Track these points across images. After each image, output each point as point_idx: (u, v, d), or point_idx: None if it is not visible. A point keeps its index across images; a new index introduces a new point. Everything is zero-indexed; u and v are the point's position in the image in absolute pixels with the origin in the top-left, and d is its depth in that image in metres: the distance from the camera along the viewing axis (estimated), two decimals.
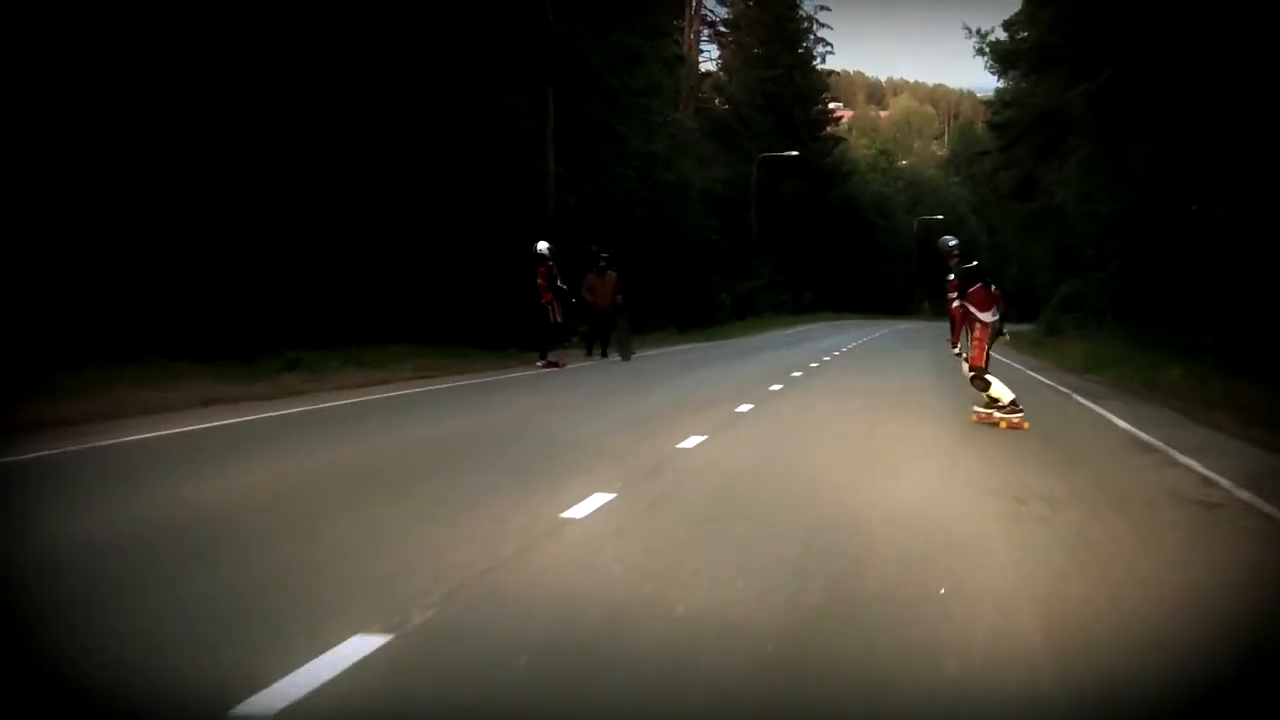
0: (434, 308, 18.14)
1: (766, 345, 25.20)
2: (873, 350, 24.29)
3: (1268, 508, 5.75)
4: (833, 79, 65.21)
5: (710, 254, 37.03)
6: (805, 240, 52.49)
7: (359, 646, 2.97)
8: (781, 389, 12.22)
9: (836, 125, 63.96)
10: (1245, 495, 6.14)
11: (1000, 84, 47.99)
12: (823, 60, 58.18)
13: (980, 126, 70.15)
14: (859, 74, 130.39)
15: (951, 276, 9.32)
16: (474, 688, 2.80)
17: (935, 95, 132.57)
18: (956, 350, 9.50)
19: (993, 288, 9.33)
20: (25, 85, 11.21)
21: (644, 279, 28.71)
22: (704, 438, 7.55)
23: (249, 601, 3.47)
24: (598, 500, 5.14)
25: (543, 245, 15.96)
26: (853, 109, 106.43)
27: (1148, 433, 9.26)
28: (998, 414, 9.04)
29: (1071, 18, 21.05)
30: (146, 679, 2.75)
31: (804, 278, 50.62)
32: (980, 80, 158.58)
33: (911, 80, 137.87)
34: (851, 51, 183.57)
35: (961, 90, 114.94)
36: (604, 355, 17.52)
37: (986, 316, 9.17)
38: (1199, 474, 7.00)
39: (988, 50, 31.70)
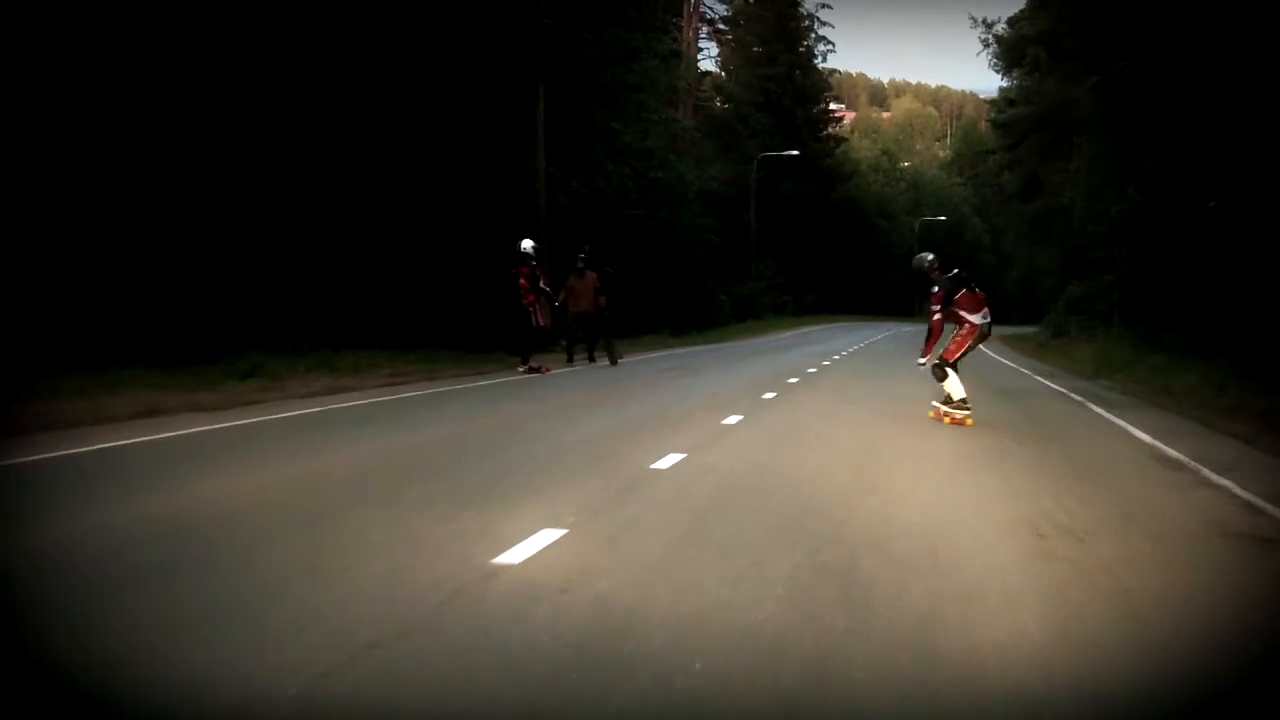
0: (416, 310, 17.36)
1: (764, 349, 24.38)
2: (873, 354, 23.47)
3: None
4: (835, 80, 64.48)
5: (708, 255, 36.24)
6: (806, 241, 51.70)
7: None
8: (774, 397, 11.39)
9: (838, 126, 63.17)
10: None
11: (1004, 83, 47.36)
12: (824, 59, 57.40)
13: (984, 127, 69.44)
14: (861, 75, 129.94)
15: (935, 289, 9.40)
16: None
17: (938, 97, 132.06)
18: (922, 361, 9.60)
19: (976, 290, 9.55)
20: None
21: (638, 280, 27.95)
22: (682, 456, 6.75)
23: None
24: (543, 539, 4.34)
25: (527, 243, 15.14)
26: (855, 110, 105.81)
27: (1172, 446, 8.46)
28: (943, 408, 9.38)
29: (1080, 8, 20.25)
30: None
31: (805, 279, 49.80)
32: (983, 82, 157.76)
33: (914, 82, 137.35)
34: (854, 53, 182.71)
35: (964, 92, 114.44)
36: (591, 359, 16.69)
37: (976, 319, 9.42)
38: (1239, 498, 6.20)
39: (994, 41, 30.81)
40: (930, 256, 9.85)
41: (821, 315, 49.58)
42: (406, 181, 17.64)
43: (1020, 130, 38.32)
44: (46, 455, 6.30)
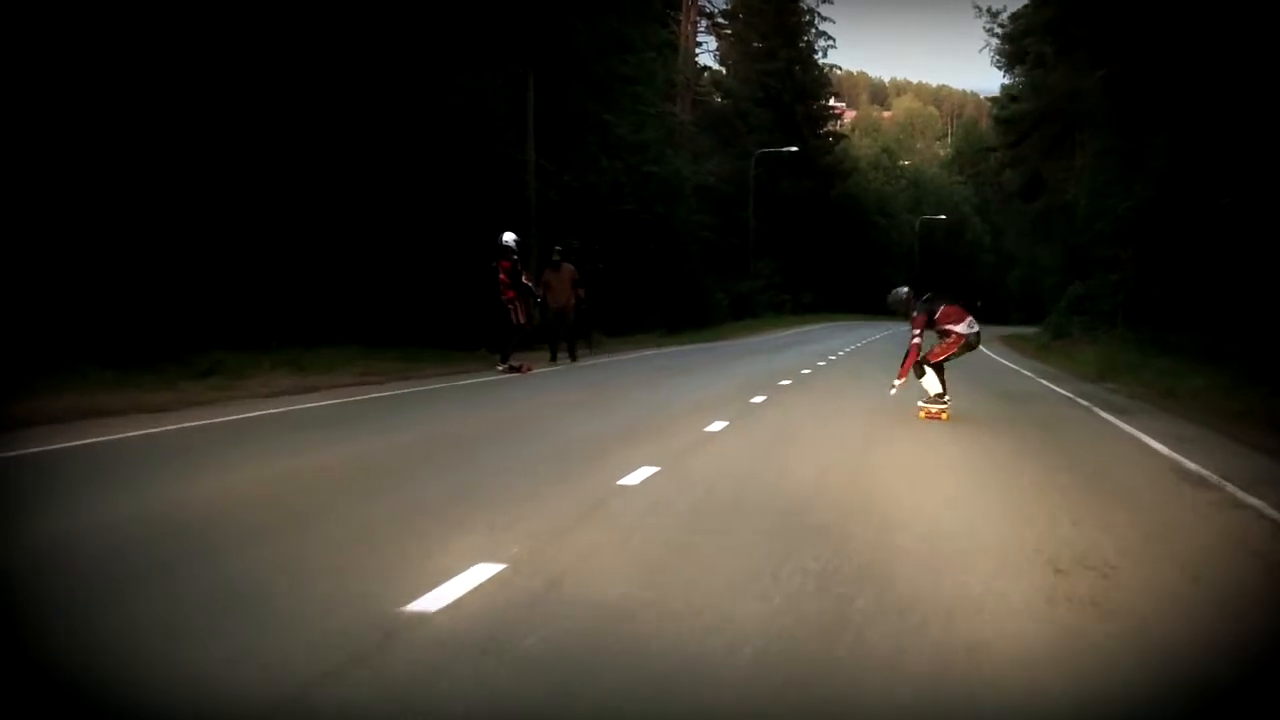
0: (398, 307, 16.70)
1: (759, 348, 23.71)
2: (871, 355, 22.77)
3: None
4: (836, 79, 63.77)
5: (705, 252, 35.59)
6: (805, 239, 51.05)
7: None
8: (764, 401, 10.73)
9: (838, 123, 62.50)
10: None
11: (1006, 80, 46.78)
12: (824, 54, 56.64)
13: (985, 124, 68.81)
14: (862, 74, 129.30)
15: (915, 314, 9.58)
16: None
17: (939, 96, 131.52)
18: (897, 384, 9.81)
19: (958, 303, 9.76)
20: None
21: (632, 277, 27.28)
22: (656, 469, 6.09)
23: None
24: (474, 578, 3.67)
25: (509, 236, 14.47)
26: (855, 109, 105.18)
27: (1190, 458, 7.81)
28: (921, 402, 9.56)
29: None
30: None
31: (803, 277, 49.13)
32: (984, 83, 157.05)
33: (915, 81, 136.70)
34: (855, 51, 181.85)
35: (965, 92, 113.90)
36: (573, 358, 16.01)
37: (962, 328, 9.58)
38: (1273, 520, 5.55)
39: (999, 31, 30.16)
40: (904, 290, 10.04)
41: (820, 314, 48.90)
42: (388, 172, 16.98)
43: (1023, 127, 37.73)
44: None
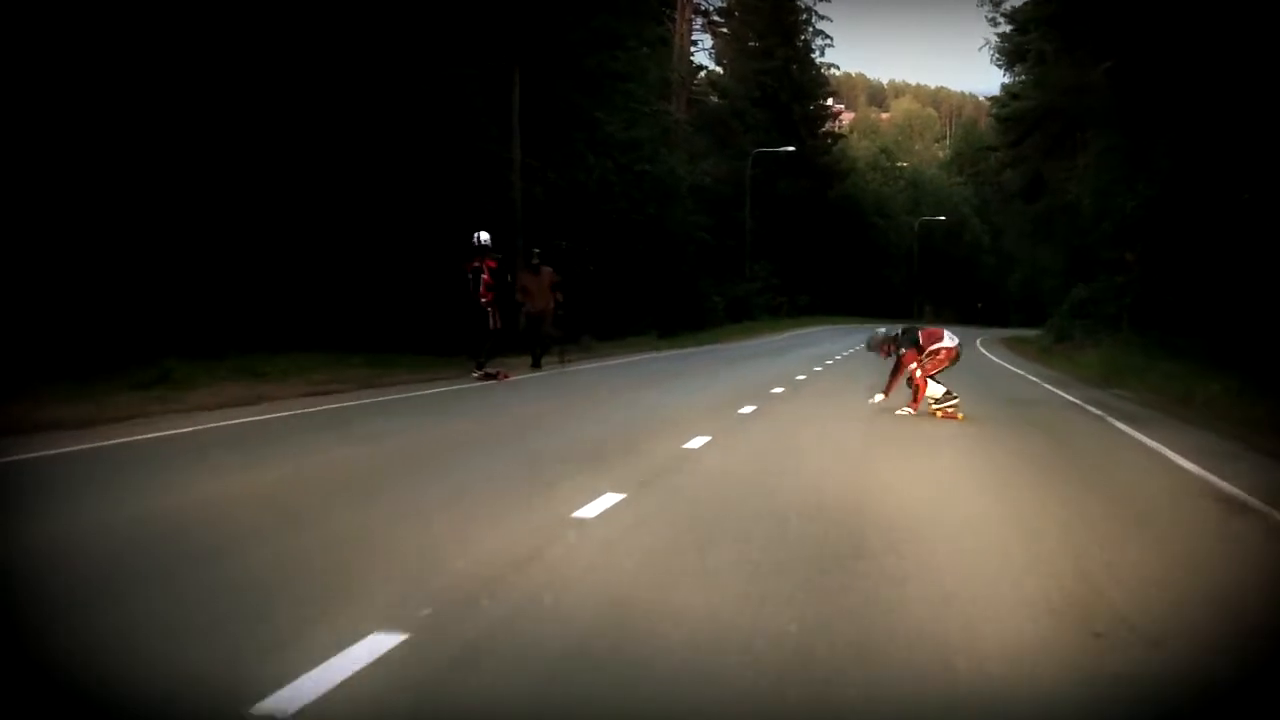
0: (372, 310, 15.93)
1: (754, 352, 22.89)
2: (869, 360, 21.89)
3: None
4: (834, 80, 63.05)
5: (701, 254, 34.83)
6: (802, 240, 50.30)
7: None
8: (753, 412, 9.91)
9: (837, 124, 61.75)
10: None
11: (1006, 79, 46.04)
12: (821, 53, 55.88)
13: (985, 125, 68.08)
14: (860, 75, 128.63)
15: (903, 352, 9.93)
16: None
17: (937, 98, 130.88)
18: (879, 399, 10.13)
19: (930, 327, 10.50)
20: None
21: (623, 279, 26.53)
22: (620, 497, 5.29)
23: None
24: (366, 653, 2.87)
25: (485, 235, 13.64)
26: (854, 110, 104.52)
27: (1223, 477, 7.02)
28: (935, 407, 9.79)
29: None
30: None
31: (801, 279, 48.36)
32: (983, 84, 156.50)
33: (913, 83, 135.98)
34: (853, 53, 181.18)
35: (964, 93, 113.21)
36: (538, 366, 15.09)
37: (948, 342, 10.01)
38: None
39: (1000, 21, 29.34)
40: (880, 332, 10.45)
41: (818, 316, 48.11)
42: (364, 169, 16.22)
43: (1024, 125, 36.99)
44: None
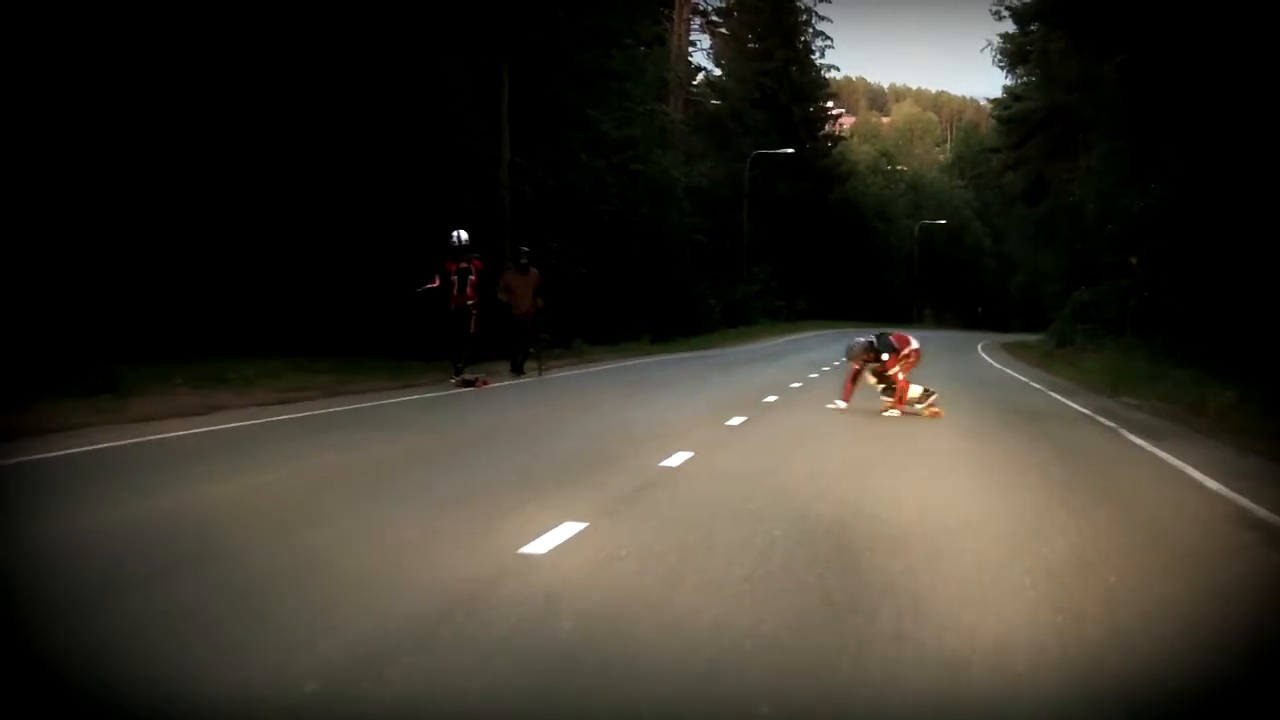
0: (350, 313, 15.28)
1: (749, 357, 22.20)
2: None
3: None
4: (835, 85, 62.33)
5: (698, 256, 34.18)
6: (801, 244, 49.62)
7: None
8: (743, 423, 9.23)
9: (838, 127, 61.07)
10: None
11: (1009, 81, 45.43)
12: (821, 54, 55.16)
13: (986, 129, 67.45)
14: (861, 79, 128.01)
15: (885, 357, 10.39)
16: None
17: (938, 102, 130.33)
18: (840, 405, 10.63)
19: (897, 332, 11.06)
20: None
21: (617, 281, 25.87)
22: (580, 528, 4.62)
23: None
24: None
25: (463, 235, 12.96)
26: (855, 114, 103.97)
27: (1258, 502, 6.36)
28: (919, 406, 10.39)
29: None
30: None
31: (799, 283, 47.65)
32: (984, 88, 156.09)
33: (914, 87, 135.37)
34: (854, 57, 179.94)
35: (965, 98, 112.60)
36: (519, 372, 14.39)
37: (915, 344, 10.67)
38: None
39: (1007, 13, 28.64)
40: (861, 342, 10.68)
41: (816, 321, 47.40)
42: (343, 165, 15.58)
43: (1027, 127, 36.32)
44: None
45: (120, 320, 11.59)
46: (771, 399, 11.64)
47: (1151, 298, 21.00)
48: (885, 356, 10.36)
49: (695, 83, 46.77)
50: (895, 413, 10.20)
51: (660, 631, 3.30)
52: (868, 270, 57.68)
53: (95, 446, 6.70)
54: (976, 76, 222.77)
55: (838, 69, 69.21)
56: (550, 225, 21.76)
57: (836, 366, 19.21)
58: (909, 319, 59.71)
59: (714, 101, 48.00)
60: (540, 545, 4.28)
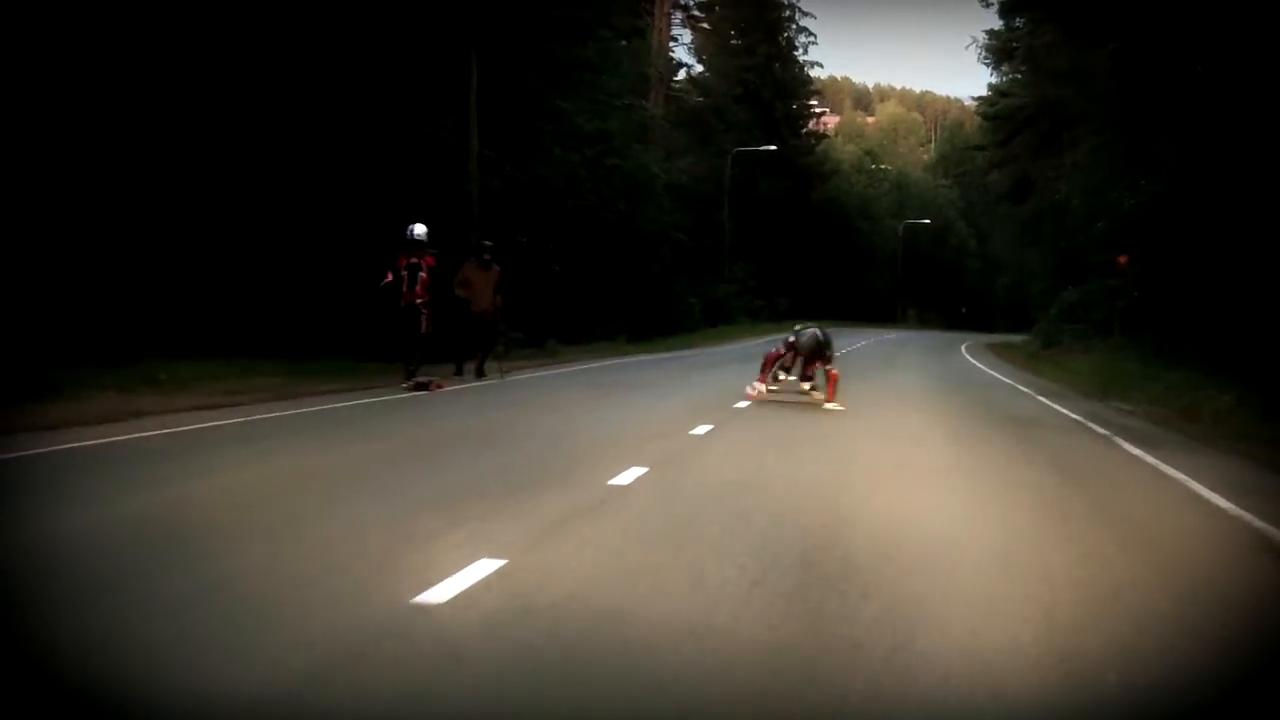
0: (307, 311, 14.48)
1: (726, 358, 21.45)
2: (850, 368, 20.55)
3: None
4: (820, 85, 61.70)
5: (677, 254, 33.44)
6: (783, 242, 48.93)
7: None
8: (709, 433, 8.49)
9: (820, 122, 60.42)
10: None
11: (994, 78, 44.90)
12: (805, 51, 54.45)
13: (971, 127, 66.93)
14: (846, 79, 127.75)
15: (828, 353, 11.00)
16: None
17: (923, 102, 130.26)
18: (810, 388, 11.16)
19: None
20: None
21: (592, 279, 25.14)
22: (497, 566, 3.89)
23: None
24: None
25: (420, 229, 12.19)
26: (839, 114, 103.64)
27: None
28: (818, 395, 10.90)
29: None
30: None
31: (781, 282, 46.96)
32: (969, 88, 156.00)
33: (899, 87, 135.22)
34: (838, 57, 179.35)
35: (949, 97, 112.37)
36: (502, 372, 13.70)
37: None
38: None
39: (995, 2, 28.02)
40: (815, 335, 11.10)
41: (799, 320, 46.72)
42: (301, 156, 14.79)
43: (1013, 124, 35.72)
44: None
45: (65, 322, 10.84)
46: (742, 405, 10.92)
47: (1142, 297, 20.40)
48: (827, 353, 10.97)
49: (677, 79, 46.07)
50: (837, 405, 10.59)
51: (580, 714, 2.58)
52: (851, 270, 57.08)
53: None
54: (961, 77, 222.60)
55: (821, 65, 68.55)
56: (521, 220, 21.01)
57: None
58: (892, 319, 59.18)
59: (697, 99, 47.28)
60: (441, 592, 3.55)
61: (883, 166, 71.94)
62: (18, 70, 11.03)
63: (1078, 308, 29.81)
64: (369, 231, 14.92)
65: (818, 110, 59.77)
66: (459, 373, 13.36)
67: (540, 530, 4.58)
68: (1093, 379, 17.72)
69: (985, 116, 45.16)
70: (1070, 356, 24.89)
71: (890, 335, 42.35)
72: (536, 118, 22.23)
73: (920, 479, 6.74)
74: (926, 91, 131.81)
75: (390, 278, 11.94)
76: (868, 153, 71.77)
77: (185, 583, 3.63)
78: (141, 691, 2.63)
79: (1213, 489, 6.81)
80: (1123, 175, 20.44)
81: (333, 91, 14.98)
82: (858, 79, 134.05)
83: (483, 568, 3.86)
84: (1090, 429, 10.63)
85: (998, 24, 40.83)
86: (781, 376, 11.51)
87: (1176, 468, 7.80)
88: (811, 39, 58.10)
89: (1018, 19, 34.61)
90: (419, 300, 11.91)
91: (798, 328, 11.49)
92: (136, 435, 7.29)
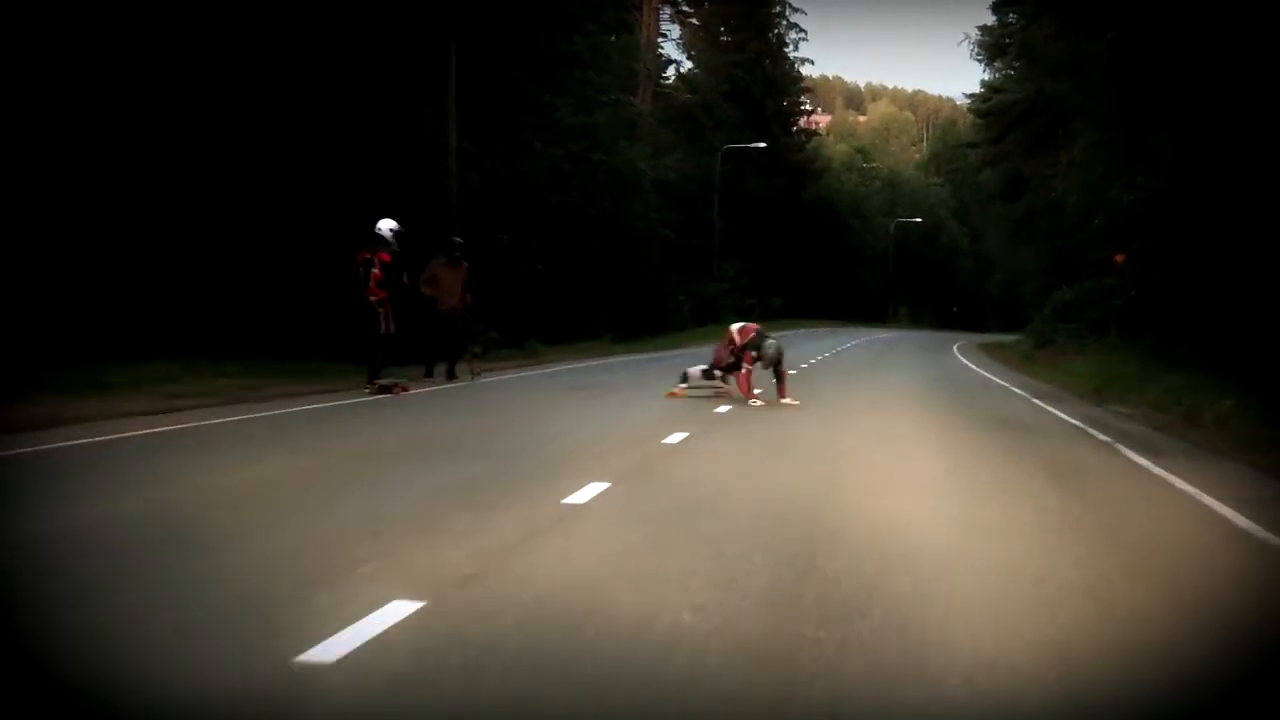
0: (275, 310, 13.91)
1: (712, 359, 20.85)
2: (839, 370, 20.11)
3: None
4: (811, 84, 61.19)
5: (666, 252, 32.92)
6: (774, 240, 48.48)
7: None
8: (683, 441, 7.89)
9: (811, 119, 59.95)
10: None
11: (986, 75, 44.43)
12: (795, 48, 53.98)
13: (963, 126, 66.51)
14: (838, 79, 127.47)
15: (754, 352, 11.20)
16: None
17: (914, 101, 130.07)
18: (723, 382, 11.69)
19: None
20: None
21: (576, 277, 24.59)
22: (414, 609, 3.31)
23: None
24: None
25: (387, 224, 11.58)
26: (831, 113, 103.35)
27: None
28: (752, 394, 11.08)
29: None
30: None
31: (772, 281, 46.48)
32: (960, 87, 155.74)
33: (891, 86, 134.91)
34: (830, 56, 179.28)
35: (941, 96, 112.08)
36: (473, 374, 13.14)
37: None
38: None
39: None
40: (779, 346, 11.51)
41: (789, 320, 46.21)
42: (270, 150, 14.22)
43: (1006, 120, 35.24)
44: None
45: (16, 324, 10.27)
46: (723, 409, 10.35)
47: (1139, 296, 19.90)
48: (753, 352, 11.28)
49: (666, 75, 45.54)
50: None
51: None
52: (842, 268, 56.66)
53: None
54: (954, 76, 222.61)
55: (812, 62, 68.17)
56: (502, 217, 20.46)
57: (805, 369, 18.04)
58: (884, 318, 58.77)
59: (685, 95, 46.72)
60: (337, 645, 2.95)
61: (874, 165, 71.51)
62: None
63: (1072, 307, 29.38)
64: (343, 228, 14.34)
65: (809, 108, 59.28)
66: (429, 374, 12.80)
67: (471, 566, 3.95)
68: (1089, 381, 17.22)
69: (978, 113, 44.73)
70: (1065, 357, 24.41)
71: (882, 335, 41.84)
72: (519, 112, 21.68)
73: (912, 495, 6.14)
74: (918, 91, 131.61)
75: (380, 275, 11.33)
76: (859, 151, 71.31)
77: (95, 608, 3.04)
78: None
79: (1228, 504, 6.24)
80: (1121, 171, 19.94)
81: (306, 83, 14.43)
82: (849, 78, 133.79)
83: (399, 610, 3.28)
84: (1090, 435, 10.08)
85: (990, 21, 40.50)
86: (716, 374, 11.84)
87: (1184, 479, 7.23)
88: (802, 35, 57.62)
89: (1010, 13, 34.17)
90: (374, 299, 11.27)
91: (768, 339, 11.67)
92: (67, 444, 6.68)
